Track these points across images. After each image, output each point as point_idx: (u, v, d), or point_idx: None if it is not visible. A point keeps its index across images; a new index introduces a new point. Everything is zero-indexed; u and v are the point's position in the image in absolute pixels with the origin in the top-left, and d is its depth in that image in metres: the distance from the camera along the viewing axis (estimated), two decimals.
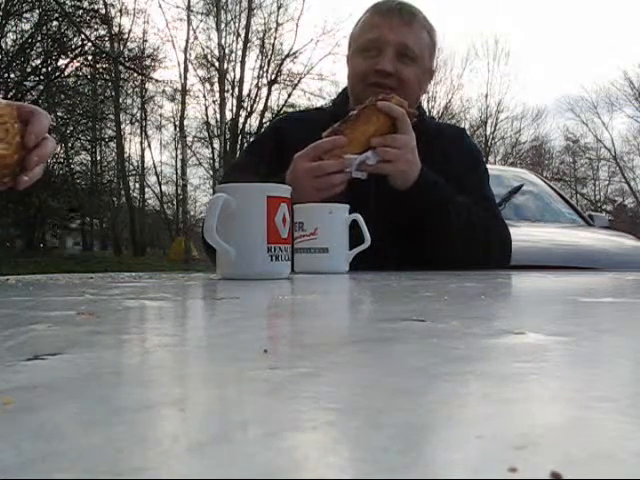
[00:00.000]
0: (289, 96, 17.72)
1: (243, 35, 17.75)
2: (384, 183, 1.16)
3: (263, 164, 1.26)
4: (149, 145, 22.00)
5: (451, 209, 1.21)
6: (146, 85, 17.94)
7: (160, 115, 19.95)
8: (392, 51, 1.27)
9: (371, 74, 1.27)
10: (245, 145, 16.27)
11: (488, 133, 22.01)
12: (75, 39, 13.44)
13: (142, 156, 19.72)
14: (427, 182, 1.17)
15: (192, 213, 18.51)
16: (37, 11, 12.66)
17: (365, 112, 1.13)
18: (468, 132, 1.58)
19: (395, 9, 1.30)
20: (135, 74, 15.82)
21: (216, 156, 17.82)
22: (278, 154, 1.29)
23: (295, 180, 1.10)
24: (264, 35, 17.86)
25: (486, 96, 22.07)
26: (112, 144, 18.23)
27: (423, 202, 1.18)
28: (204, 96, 18.32)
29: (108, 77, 15.15)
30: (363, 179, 1.14)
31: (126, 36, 15.80)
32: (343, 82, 1.46)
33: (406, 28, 1.29)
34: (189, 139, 18.39)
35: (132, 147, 19.86)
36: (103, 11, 14.31)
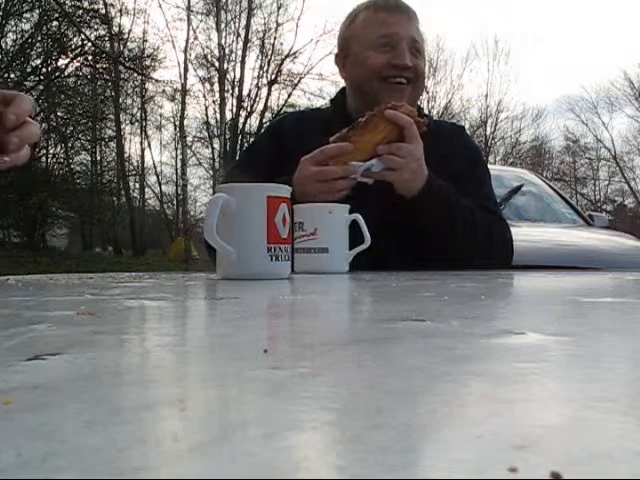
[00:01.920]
0: (289, 96, 17.72)
1: (243, 35, 17.75)
2: (385, 184, 1.16)
3: (263, 165, 1.26)
4: (149, 145, 21.99)
5: (456, 215, 1.20)
6: (146, 85, 17.94)
7: (160, 115, 19.95)
8: (406, 45, 1.29)
9: (387, 68, 1.28)
10: (245, 145, 16.27)
11: (488, 133, 22.01)
12: (75, 39, 13.45)
13: (142, 156, 19.73)
14: (433, 192, 1.17)
15: (192, 213, 18.51)
16: (37, 11, 12.67)
17: (373, 120, 1.13)
18: (468, 131, 1.58)
19: (397, 6, 1.32)
20: (135, 74, 15.83)
21: (216, 156, 17.83)
22: (277, 154, 1.29)
23: (300, 183, 1.12)
24: (264, 35, 17.86)
25: (486, 96, 22.07)
26: (112, 144, 18.24)
27: (429, 211, 1.18)
28: (204, 96, 18.32)
29: (108, 77, 15.15)
30: (369, 183, 1.14)
31: (126, 36, 15.80)
32: (342, 82, 1.45)
33: (410, 23, 1.32)
34: (189, 139, 18.39)
35: (132, 147, 19.86)
36: (103, 11, 14.31)
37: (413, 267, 1.16)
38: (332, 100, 1.48)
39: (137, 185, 20.21)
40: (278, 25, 17.66)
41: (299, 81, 17.57)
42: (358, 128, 1.13)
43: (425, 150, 1.18)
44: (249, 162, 1.37)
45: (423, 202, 1.16)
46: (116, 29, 15.23)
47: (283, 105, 17.44)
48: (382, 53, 1.29)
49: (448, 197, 1.20)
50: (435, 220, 1.19)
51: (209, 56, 17.47)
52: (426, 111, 1.47)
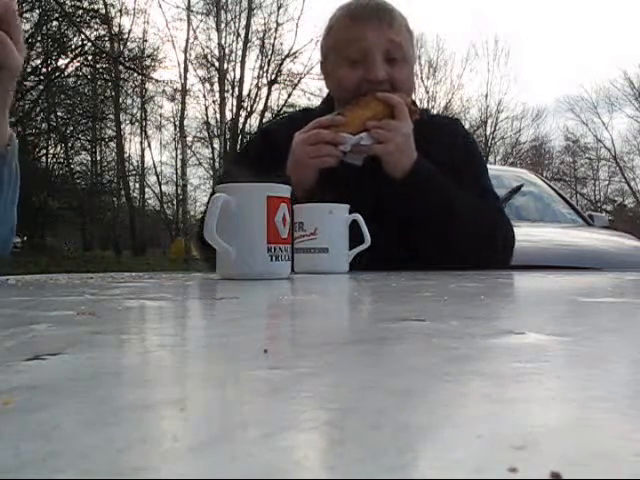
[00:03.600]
0: (289, 96, 17.75)
1: (243, 35, 17.77)
2: (383, 183, 1.17)
3: (256, 166, 1.26)
4: (149, 145, 22.01)
5: (453, 200, 1.20)
6: (146, 85, 17.96)
7: (160, 115, 19.97)
8: (380, 56, 1.23)
9: (363, 84, 1.23)
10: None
11: (488, 133, 22.02)
12: (75, 39, 13.49)
13: (142, 156, 19.75)
14: (422, 171, 1.18)
15: (192, 213, 18.52)
16: (37, 11, 12.68)
17: (365, 99, 1.18)
18: (466, 127, 1.57)
19: (373, 12, 1.24)
20: (135, 74, 15.84)
21: (216, 156, 17.85)
22: (270, 156, 1.28)
23: (292, 152, 1.16)
24: (264, 35, 17.89)
25: (486, 96, 22.09)
26: (112, 144, 18.26)
27: (420, 192, 1.17)
28: (204, 96, 18.35)
29: (108, 77, 15.17)
30: (358, 165, 1.17)
31: (126, 36, 15.82)
32: None
33: (388, 30, 1.24)
34: (189, 139, 18.42)
35: (132, 147, 19.91)
36: (103, 11, 14.33)
37: (413, 262, 1.16)
38: (323, 101, 1.47)
39: (137, 185, 20.23)
40: (278, 25, 17.70)
41: (299, 81, 17.61)
42: (350, 106, 1.18)
43: (422, 146, 1.18)
44: (243, 163, 1.37)
45: (413, 183, 1.17)
46: (116, 29, 15.27)
47: (283, 105, 17.46)
48: (355, 68, 1.24)
49: (441, 180, 1.20)
50: (431, 206, 1.19)
51: (209, 56, 17.51)
52: (419, 104, 1.45)
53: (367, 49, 1.23)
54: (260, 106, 17.79)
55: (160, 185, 20.20)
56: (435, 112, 19.53)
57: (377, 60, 1.23)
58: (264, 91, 17.86)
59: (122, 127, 18.02)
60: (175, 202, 20.00)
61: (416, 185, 1.17)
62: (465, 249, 1.21)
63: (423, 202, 1.18)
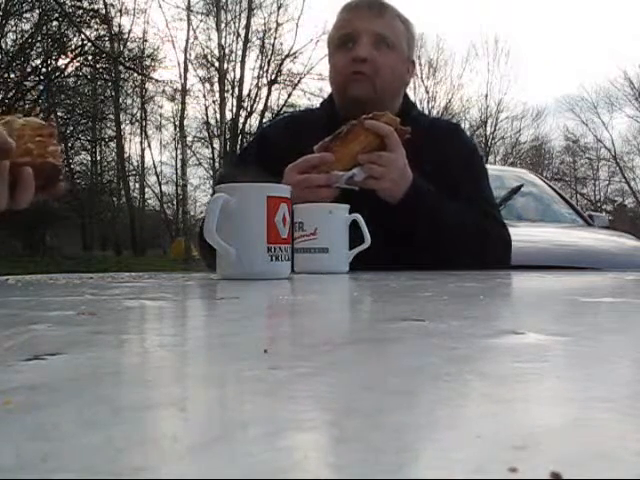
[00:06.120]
0: (289, 96, 17.74)
1: (243, 35, 17.77)
2: (377, 200, 1.17)
3: (252, 170, 1.26)
4: (149, 145, 22.00)
5: (445, 219, 1.20)
6: (146, 85, 17.96)
7: (160, 115, 19.95)
8: (367, 39, 1.29)
9: (349, 64, 1.29)
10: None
11: (488, 133, 22.01)
12: (75, 39, 13.50)
13: (142, 156, 19.74)
14: (416, 194, 1.17)
15: (192, 213, 18.51)
16: (37, 11, 12.69)
17: (354, 130, 1.14)
18: (467, 131, 1.57)
19: (363, 3, 1.32)
20: (135, 74, 15.85)
21: (216, 156, 17.85)
22: (266, 159, 1.28)
23: None
24: (264, 35, 17.88)
25: (486, 96, 22.08)
26: (112, 144, 18.26)
27: (411, 216, 1.18)
28: (204, 96, 18.35)
29: (108, 77, 15.18)
30: (356, 189, 1.15)
31: (126, 36, 15.83)
32: None
33: (377, 18, 1.31)
34: (189, 139, 18.40)
35: (132, 147, 19.86)
36: (103, 11, 14.34)
37: (412, 267, 1.16)
38: (322, 102, 1.48)
39: (137, 185, 20.22)
40: (278, 25, 17.68)
41: (299, 81, 17.60)
42: (339, 139, 1.14)
43: (421, 154, 1.18)
44: (240, 167, 1.37)
45: (406, 207, 1.16)
46: (116, 29, 15.27)
47: (283, 105, 17.45)
48: (345, 51, 1.31)
49: (432, 202, 1.19)
50: (423, 225, 1.19)
51: (209, 56, 17.50)
52: (426, 111, 1.45)
53: (352, 33, 1.30)
54: (260, 106, 17.80)
55: (160, 185, 20.21)
56: (435, 113, 19.55)
57: (362, 40, 1.29)
58: (264, 91, 17.87)
59: (122, 127, 18.03)
60: (175, 202, 20.01)
61: (407, 208, 1.17)
62: (455, 261, 1.21)
63: (415, 221, 1.19)
